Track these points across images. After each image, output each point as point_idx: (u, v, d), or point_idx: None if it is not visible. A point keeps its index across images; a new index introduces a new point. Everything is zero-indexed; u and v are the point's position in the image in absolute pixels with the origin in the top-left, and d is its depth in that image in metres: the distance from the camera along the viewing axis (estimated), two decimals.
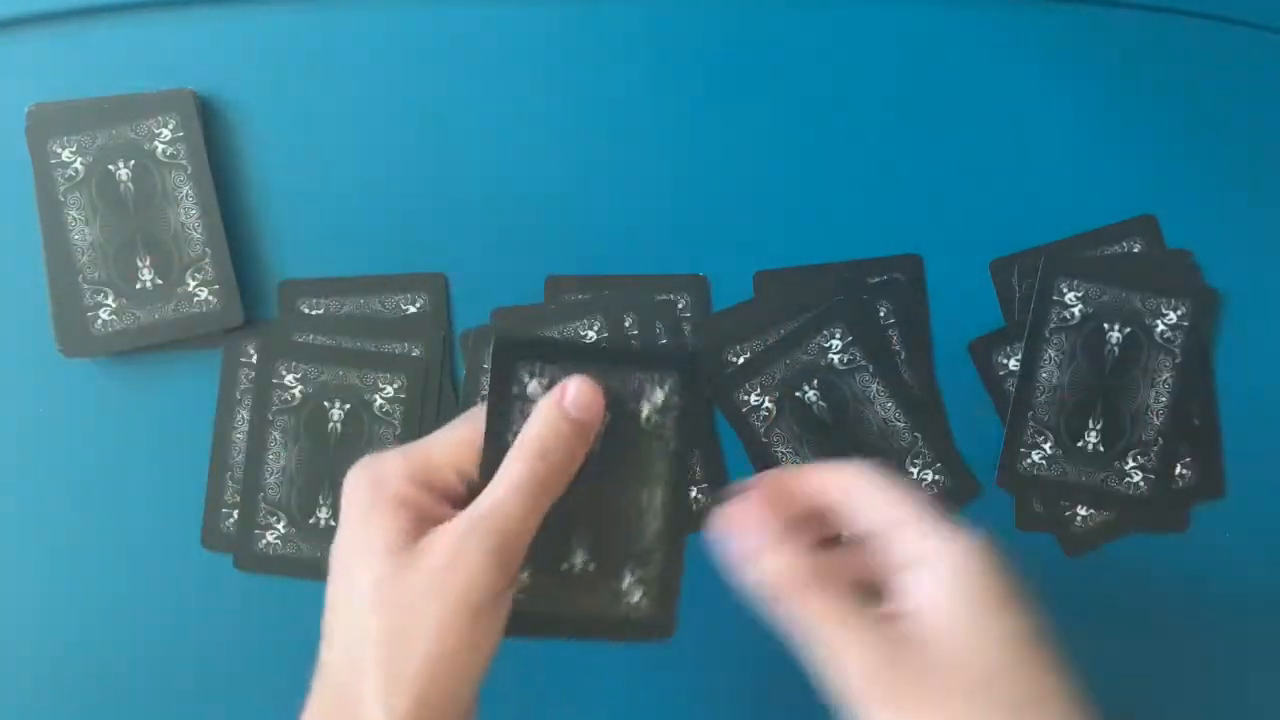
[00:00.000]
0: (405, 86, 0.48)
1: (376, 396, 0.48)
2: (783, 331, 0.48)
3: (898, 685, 0.32)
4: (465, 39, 0.48)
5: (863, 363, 0.48)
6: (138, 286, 0.48)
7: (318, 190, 0.48)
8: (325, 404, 0.48)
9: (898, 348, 0.48)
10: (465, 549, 0.34)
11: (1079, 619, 0.49)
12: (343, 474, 0.36)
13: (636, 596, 0.37)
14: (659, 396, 0.37)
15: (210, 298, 0.48)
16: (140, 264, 0.48)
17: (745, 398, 0.48)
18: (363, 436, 0.48)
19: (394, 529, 0.34)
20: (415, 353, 0.48)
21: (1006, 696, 0.32)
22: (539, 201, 0.48)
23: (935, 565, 0.33)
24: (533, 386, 0.36)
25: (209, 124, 0.48)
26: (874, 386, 0.48)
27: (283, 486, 0.48)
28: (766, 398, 0.47)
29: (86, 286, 0.48)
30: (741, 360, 0.48)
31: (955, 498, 0.48)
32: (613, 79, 0.48)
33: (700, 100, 0.48)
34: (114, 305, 0.48)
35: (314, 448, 0.48)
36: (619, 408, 0.37)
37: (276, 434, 0.49)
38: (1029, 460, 0.48)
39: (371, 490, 0.35)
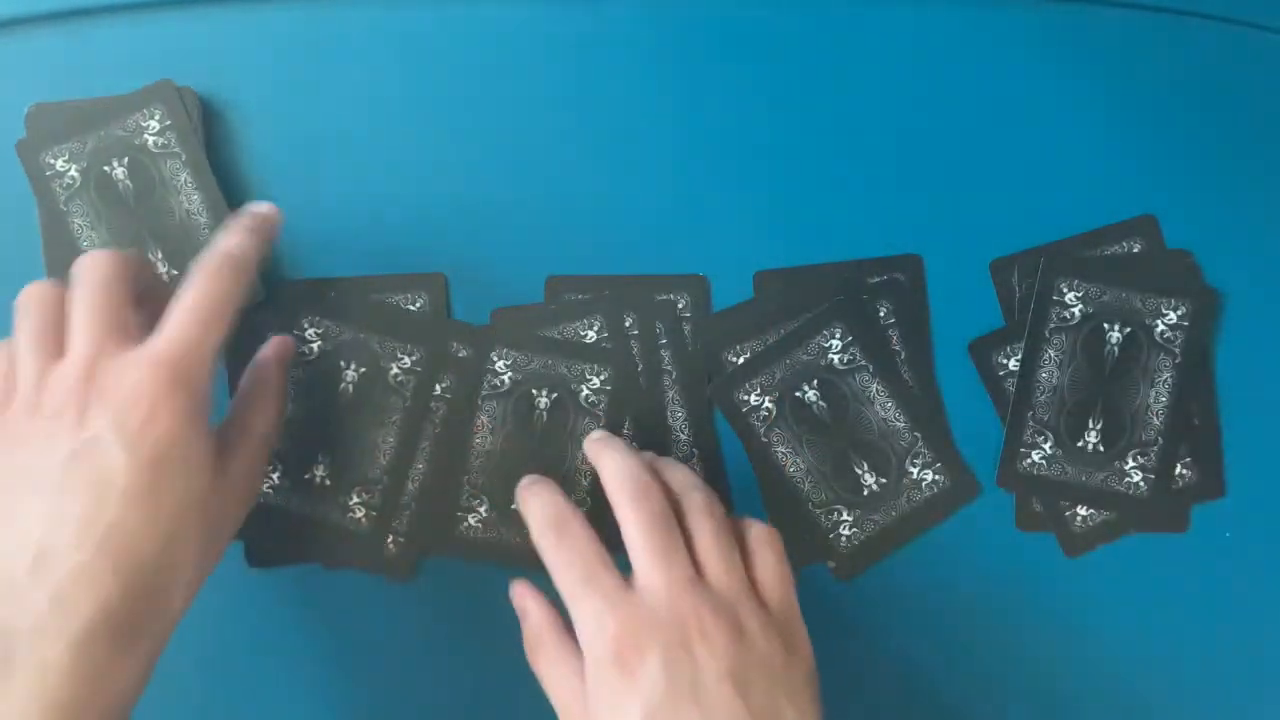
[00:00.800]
0: (405, 86, 0.48)
1: (394, 365, 0.48)
2: (783, 331, 0.48)
3: None
4: (465, 39, 0.48)
5: (863, 363, 0.48)
6: None
7: (316, 190, 0.48)
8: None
9: (898, 348, 0.48)
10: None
11: (1079, 619, 0.50)
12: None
13: (359, 514, 0.48)
14: (406, 363, 0.47)
15: None
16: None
17: (745, 398, 0.48)
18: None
19: None
20: (416, 355, 0.49)
21: None
22: (539, 201, 0.48)
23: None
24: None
25: (209, 124, 0.48)
26: (874, 386, 0.48)
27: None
28: (767, 398, 0.48)
29: None
30: (741, 360, 0.48)
31: (955, 498, 0.48)
32: (612, 78, 0.48)
33: (699, 100, 0.48)
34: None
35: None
36: (374, 363, 0.48)
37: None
38: (1029, 460, 0.48)
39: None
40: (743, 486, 0.48)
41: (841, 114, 0.48)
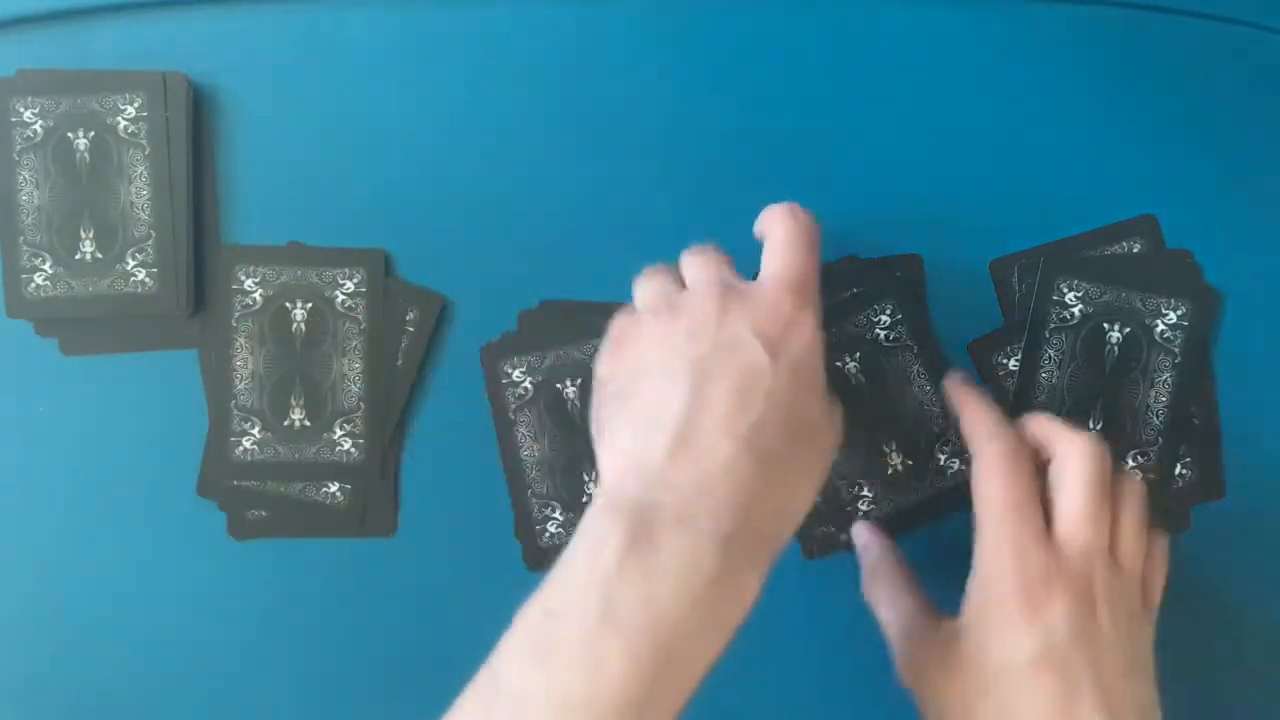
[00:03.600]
0: (406, 87, 0.47)
1: (337, 293, 0.47)
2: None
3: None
4: (464, 39, 0.47)
5: (909, 343, 0.47)
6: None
7: (312, 188, 0.47)
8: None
9: (910, 343, 0.47)
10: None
11: None
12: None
13: (347, 445, 0.47)
14: (349, 286, 0.47)
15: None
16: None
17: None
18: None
19: None
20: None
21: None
22: (537, 203, 0.48)
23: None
24: None
25: (201, 121, 0.47)
26: (915, 368, 0.47)
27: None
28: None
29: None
30: None
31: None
32: (613, 79, 0.48)
33: (698, 99, 0.48)
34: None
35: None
36: (319, 295, 0.47)
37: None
38: None
39: None
40: None
41: (841, 114, 0.48)
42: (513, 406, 0.48)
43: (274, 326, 0.48)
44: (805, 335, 0.38)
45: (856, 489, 0.48)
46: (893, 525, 0.47)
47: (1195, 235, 0.48)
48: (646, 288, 0.42)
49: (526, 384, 0.48)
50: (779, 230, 0.40)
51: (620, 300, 0.49)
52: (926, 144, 0.48)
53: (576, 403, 0.48)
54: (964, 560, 0.46)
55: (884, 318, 0.47)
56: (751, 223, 0.49)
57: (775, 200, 0.50)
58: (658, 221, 0.48)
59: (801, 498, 0.38)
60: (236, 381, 0.47)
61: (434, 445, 0.48)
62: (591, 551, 0.34)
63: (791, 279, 0.39)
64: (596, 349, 0.44)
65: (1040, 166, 0.48)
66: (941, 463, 0.48)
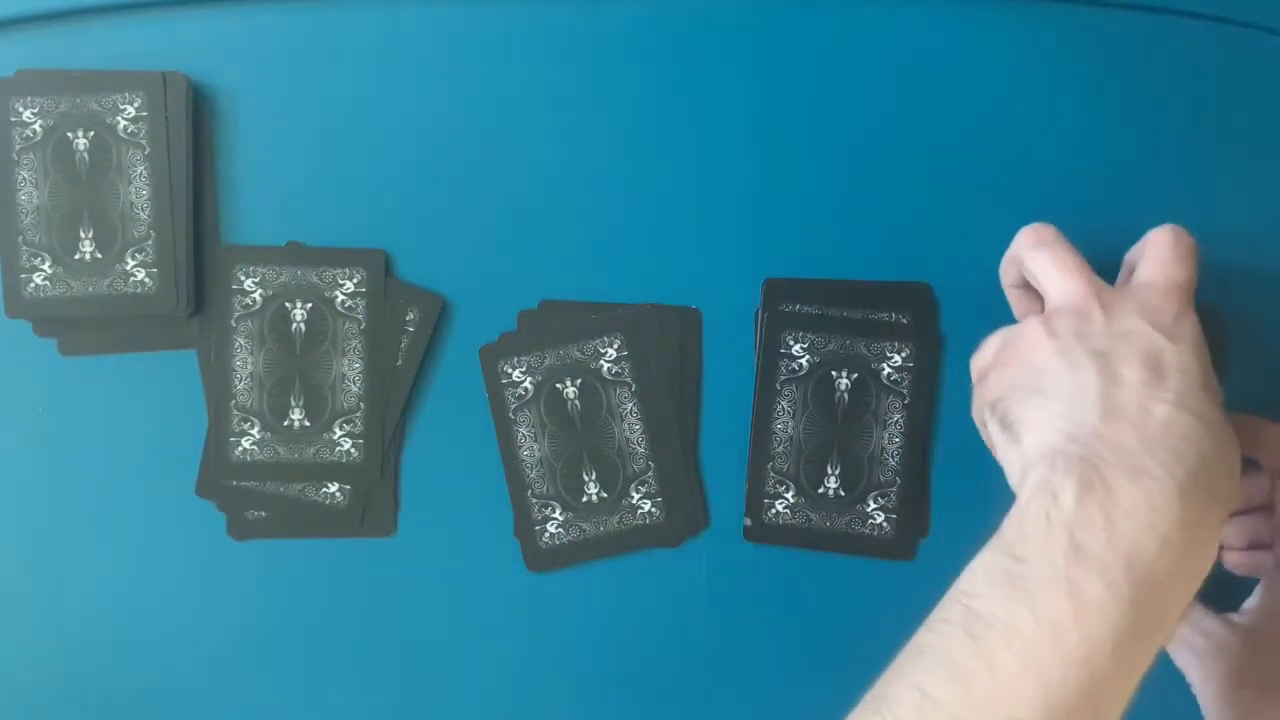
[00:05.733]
0: (406, 87, 0.47)
1: (337, 294, 0.47)
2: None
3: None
4: (463, 40, 0.47)
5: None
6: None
7: (307, 191, 0.47)
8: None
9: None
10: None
11: None
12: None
13: (347, 445, 0.48)
14: (349, 286, 0.47)
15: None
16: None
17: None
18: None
19: None
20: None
21: None
22: (536, 203, 0.48)
23: None
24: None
25: (201, 121, 0.47)
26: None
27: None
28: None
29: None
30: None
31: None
32: (615, 83, 0.48)
33: (698, 104, 0.48)
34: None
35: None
36: (319, 295, 0.47)
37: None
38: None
39: None
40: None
41: (842, 114, 0.48)
42: (513, 406, 0.48)
43: (273, 327, 0.48)
44: (1193, 330, 0.39)
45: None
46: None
47: (1195, 235, 0.47)
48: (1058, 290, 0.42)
49: (526, 384, 0.48)
50: (1160, 242, 0.41)
51: (620, 300, 0.49)
52: (925, 145, 0.48)
53: (576, 403, 0.48)
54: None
55: (610, 351, 0.48)
56: (752, 219, 0.49)
57: (775, 199, 0.50)
58: (657, 222, 0.48)
59: (1234, 465, 0.38)
60: (236, 382, 0.47)
61: (434, 445, 0.48)
62: (1045, 503, 0.35)
63: (1171, 283, 0.40)
64: (596, 349, 0.44)
65: (1040, 167, 0.48)
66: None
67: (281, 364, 0.47)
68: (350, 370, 0.47)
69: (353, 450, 0.48)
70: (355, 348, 0.47)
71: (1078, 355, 0.38)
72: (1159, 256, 0.41)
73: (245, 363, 0.47)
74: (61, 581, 0.48)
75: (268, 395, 0.47)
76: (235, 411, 0.48)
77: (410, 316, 0.47)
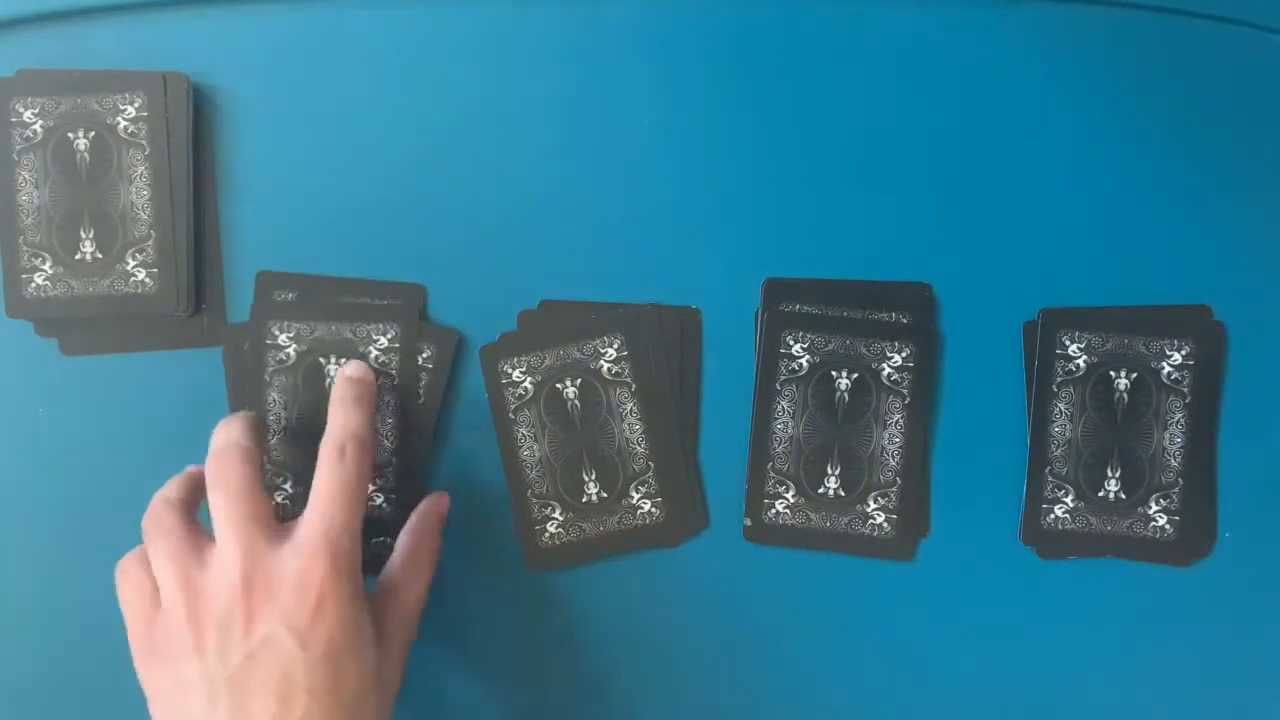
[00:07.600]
0: (406, 88, 0.47)
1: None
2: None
3: None
4: (465, 40, 0.47)
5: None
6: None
7: (308, 191, 0.48)
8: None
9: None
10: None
11: (1075, 619, 0.49)
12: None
13: (379, 500, 0.47)
14: (383, 342, 0.47)
15: (148, 280, 0.47)
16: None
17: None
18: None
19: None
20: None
21: None
22: (534, 205, 0.48)
23: None
24: None
25: (201, 121, 0.47)
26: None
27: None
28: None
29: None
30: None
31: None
32: (615, 84, 0.48)
33: (699, 104, 0.48)
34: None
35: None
36: (352, 350, 0.47)
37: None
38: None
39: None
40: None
41: (841, 114, 0.48)
42: (513, 406, 0.48)
43: (307, 380, 0.47)
44: (335, 613, 0.38)
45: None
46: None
47: (1195, 237, 0.47)
48: (158, 573, 0.40)
49: (526, 384, 0.48)
50: (321, 478, 0.40)
51: (620, 300, 0.49)
52: (925, 145, 0.47)
53: (576, 403, 0.48)
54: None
55: (610, 351, 0.47)
56: (752, 219, 0.49)
57: (775, 199, 0.49)
58: (658, 222, 0.48)
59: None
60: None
61: (434, 445, 0.48)
62: None
63: (322, 542, 0.39)
64: (596, 349, 0.44)
65: (1040, 167, 0.47)
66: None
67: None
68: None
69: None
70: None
71: (218, 686, 0.37)
72: (315, 490, 0.40)
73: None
74: (62, 581, 0.48)
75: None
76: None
77: (427, 354, 0.47)
